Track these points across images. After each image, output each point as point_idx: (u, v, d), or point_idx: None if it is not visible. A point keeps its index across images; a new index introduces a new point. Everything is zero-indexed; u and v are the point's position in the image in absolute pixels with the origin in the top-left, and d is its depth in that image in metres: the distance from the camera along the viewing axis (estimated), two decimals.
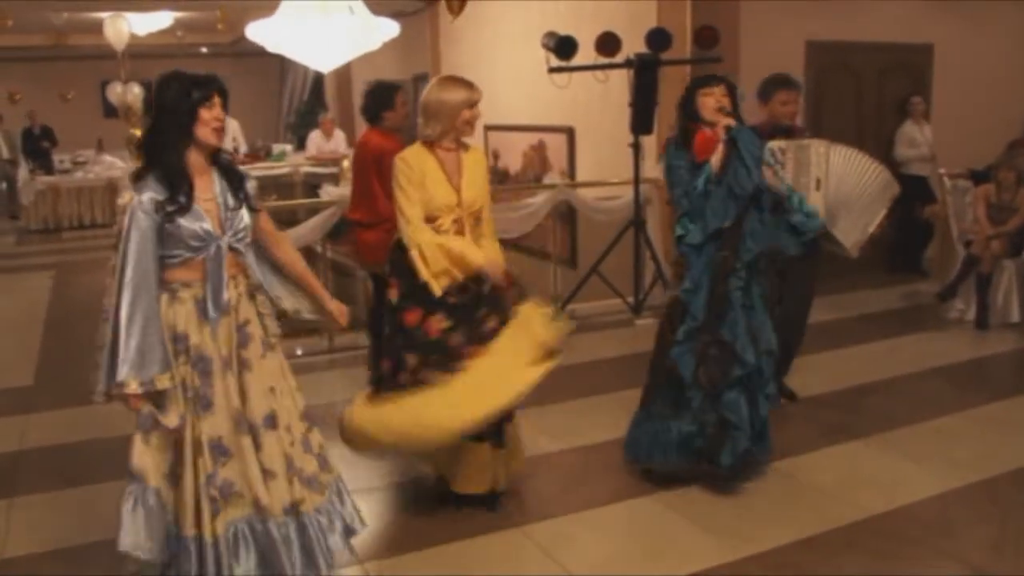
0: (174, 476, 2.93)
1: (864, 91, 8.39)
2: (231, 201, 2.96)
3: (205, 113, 2.85)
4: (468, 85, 3.67)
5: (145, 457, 2.90)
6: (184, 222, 2.82)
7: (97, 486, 4.19)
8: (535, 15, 9.31)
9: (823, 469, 4.23)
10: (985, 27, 8.78)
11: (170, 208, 2.80)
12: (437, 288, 3.53)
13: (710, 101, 3.98)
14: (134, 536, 2.87)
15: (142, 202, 2.78)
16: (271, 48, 7.87)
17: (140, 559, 2.89)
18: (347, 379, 5.62)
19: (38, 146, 15.17)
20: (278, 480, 2.97)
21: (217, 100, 2.88)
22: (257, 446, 2.95)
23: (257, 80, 18.54)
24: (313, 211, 6.86)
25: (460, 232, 3.64)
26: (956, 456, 4.31)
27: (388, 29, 7.91)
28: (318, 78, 16.65)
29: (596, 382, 5.54)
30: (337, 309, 3.29)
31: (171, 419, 2.85)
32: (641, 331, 6.85)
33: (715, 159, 3.89)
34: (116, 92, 9.09)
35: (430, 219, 3.59)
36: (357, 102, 16.41)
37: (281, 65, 18.20)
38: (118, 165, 14.03)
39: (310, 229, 6.48)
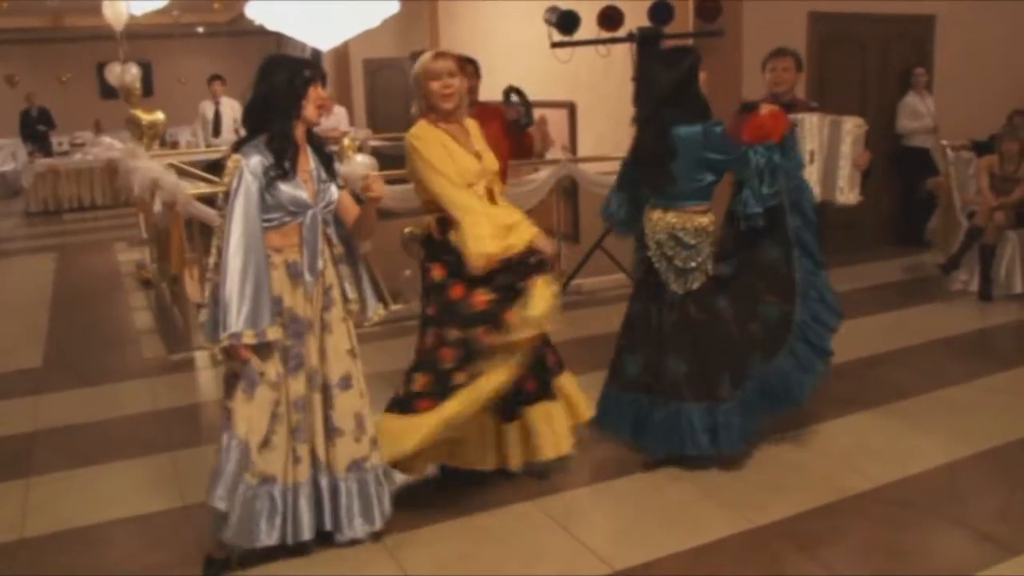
0: (269, 435, 3.12)
1: (866, 62, 8.37)
2: (323, 175, 3.21)
3: (313, 91, 3.13)
4: (436, 56, 3.61)
5: (244, 411, 3.07)
6: (285, 187, 3.08)
7: (113, 464, 4.24)
8: None
9: (833, 440, 4.27)
10: None
11: (274, 172, 3.04)
12: (484, 261, 3.40)
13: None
14: (223, 491, 3.06)
15: (250, 164, 3.03)
16: (271, 26, 7.85)
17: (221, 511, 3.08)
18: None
19: (36, 129, 15.14)
20: (345, 437, 3.25)
21: (321, 81, 3.15)
22: (331, 405, 3.23)
23: (254, 59, 18.38)
24: None
25: (492, 199, 3.61)
26: (964, 426, 4.34)
27: (388, 6, 7.88)
28: (315, 56, 16.56)
29: (601, 356, 5.54)
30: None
31: (271, 373, 3.08)
32: None
33: (776, 136, 3.95)
34: (115, 73, 9.05)
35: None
36: (356, 79, 16.20)
37: (278, 44, 18.09)
38: (117, 146, 13.98)
39: None
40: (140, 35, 14.16)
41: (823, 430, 4.37)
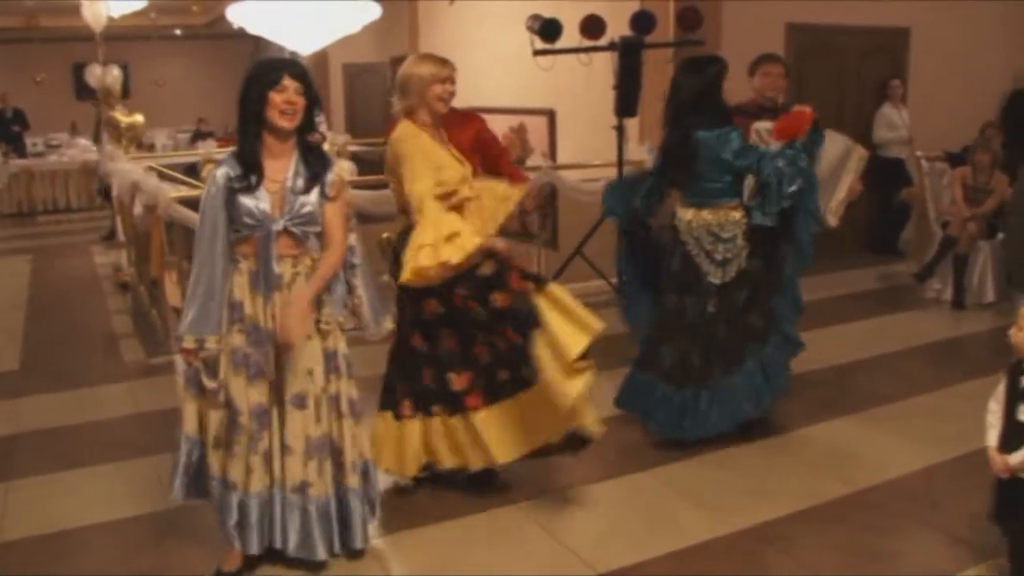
0: (223, 437, 3.12)
1: (843, 74, 8.49)
2: (300, 185, 3.07)
3: (275, 96, 3.01)
4: (440, 61, 3.70)
5: (191, 412, 3.15)
6: (244, 200, 3.00)
7: (93, 468, 4.22)
8: None
9: (811, 445, 4.33)
10: (960, 11, 8.89)
11: (236, 185, 3.01)
12: (412, 276, 3.38)
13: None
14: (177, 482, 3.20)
15: (215, 176, 3.05)
16: (251, 30, 7.83)
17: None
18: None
19: (9, 129, 14.98)
20: (295, 457, 3.11)
21: (288, 83, 3.00)
22: (283, 421, 3.10)
23: (232, 63, 18.36)
24: None
25: (460, 205, 3.62)
26: (939, 431, 4.41)
27: (369, 11, 7.89)
28: (294, 59, 16.53)
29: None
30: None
31: (211, 382, 3.07)
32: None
33: (803, 136, 4.14)
34: (95, 74, 9.00)
35: (447, 195, 3.55)
36: (335, 84, 16.18)
37: (256, 47, 18.04)
38: (92, 148, 13.88)
39: None
40: (117, 36, 14.06)
41: (801, 436, 4.43)
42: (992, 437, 2.83)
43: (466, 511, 3.69)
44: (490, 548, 3.45)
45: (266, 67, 3.08)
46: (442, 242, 3.36)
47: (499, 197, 3.71)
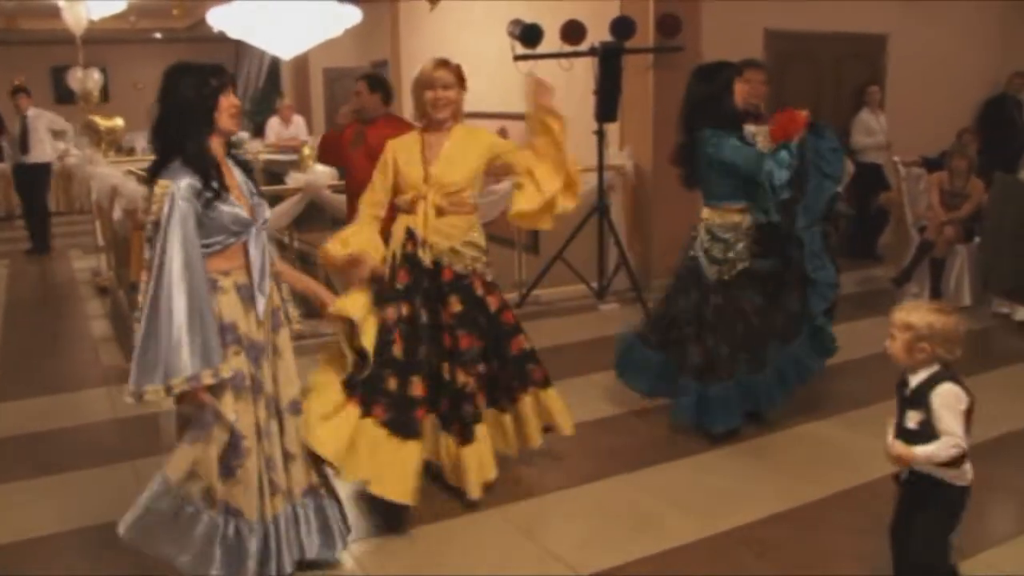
0: (227, 468, 2.94)
1: (821, 80, 8.57)
2: (251, 187, 3.03)
3: (224, 100, 2.89)
4: (437, 66, 3.72)
5: (190, 455, 2.90)
6: (224, 207, 2.84)
7: (73, 474, 4.20)
8: (498, 3, 9.32)
9: (791, 448, 4.37)
10: (937, 18, 8.99)
11: (208, 194, 2.79)
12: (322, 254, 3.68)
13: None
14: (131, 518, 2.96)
15: (181, 188, 2.74)
16: (233, 34, 7.84)
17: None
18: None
19: None
20: (298, 463, 3.12)
21: (231, 88, 2.93)
22: (282, 430, 3.08)
23: None
24: (276, 198, 6.81)
25: (413, 207, 3.68)
26: None
27: (350, 16, 7.91)
28: (274, 64, 16.50)
29: (563, 366, 5.59)
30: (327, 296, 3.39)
31: (230, 412, 2.87)
32: (605, 316, 6.96)
33: (797, 137, 4.20)
34: (76, 78, 8.95)
35: (400, 192, 3.74)
36: (315, 88, 16.15)
37: (236, 51, 18.00)
38: (73, 152, 13.78)
39: (277, 216, 6.44)
40: (96, 40, 13.99)
41: (781, 439, 4.46)
42: (889, 436, 2.80)
43: (447, 514, 3.69)
44: (472, 551, 3.45)
45: (208, 70, 2.91)
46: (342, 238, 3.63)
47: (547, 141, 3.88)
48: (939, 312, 2.70)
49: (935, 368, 2.69)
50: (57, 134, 10.41)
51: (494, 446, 3.82)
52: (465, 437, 3.66)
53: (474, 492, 3.69)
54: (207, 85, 2.85)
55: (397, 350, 3.57)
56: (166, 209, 2.72)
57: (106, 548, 3.50)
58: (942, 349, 2.67)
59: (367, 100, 5.23)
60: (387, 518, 3.60)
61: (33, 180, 10.27)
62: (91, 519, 3.72)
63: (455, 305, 3.68)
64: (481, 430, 3.72)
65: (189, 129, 2.83)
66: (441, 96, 3.69)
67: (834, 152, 4.31)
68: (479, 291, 3.76)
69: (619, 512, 3.76)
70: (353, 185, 5.45)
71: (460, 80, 3.76)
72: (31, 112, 10.04)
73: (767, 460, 4.23)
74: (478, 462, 3.69)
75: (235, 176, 3.01)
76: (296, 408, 3.15)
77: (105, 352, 6.21)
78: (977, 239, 6.88)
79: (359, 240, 3.62)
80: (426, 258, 3.66)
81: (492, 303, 3.82)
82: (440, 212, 3.67)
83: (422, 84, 3.70)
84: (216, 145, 2.94)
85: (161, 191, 2.75)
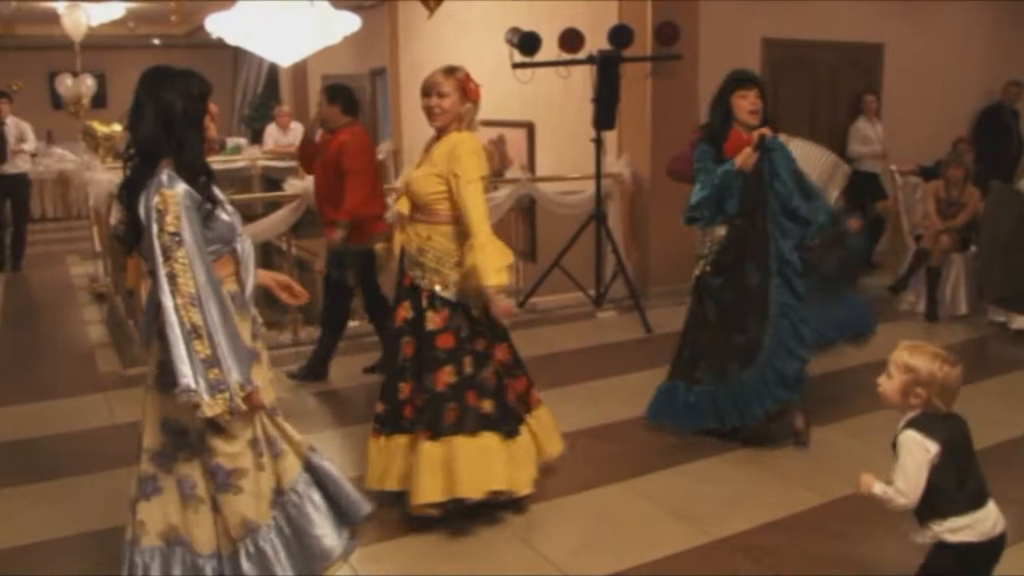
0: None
1: (818, 88, 8.59)
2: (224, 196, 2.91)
3: (211, 106, 2.85)
4: (440, 72, 3.68)
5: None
6: (222, 215, 2.78)
7: (68, 479, 4.20)
8: (496, 10, 9.36)
9: (786, 456, 4.37)
10: (933, 27, 9.03)
11: (208, 205, 2.71)
12: None
13: (745, 104, 4.24)
14: None
15: (178, 195, 2.63)
16: (232, 41, 7.84)
17: None
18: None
19: None
20: (289, 457, 3.00)
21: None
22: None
23: (211, 73, 17.70)
24: (273, 205, 6.83)
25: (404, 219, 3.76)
26: None
27: (349, 23, 7.92)
28: (272, 71, 16.52)
29: (560, 373, 5.62)
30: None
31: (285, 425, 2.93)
32: (603, 323, 6.97)
33: (739, 159, 4.25)
34: (66, 84, 8.90)
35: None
36: (313, 95, 16.18)
37: (234, 58, 18.02)
38: (69, 158, 13.80)
39: (275, 223, 6.46)
40: (95, 45, 14.00)
41: (778, 446, 4.46)
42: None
43: (441, 522, 3.67)
44: (467, 559, 3.45)
45: (187, 75, 2.79)
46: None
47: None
48: (944, 361, 2.55)
49: (918, 412, 2.58)
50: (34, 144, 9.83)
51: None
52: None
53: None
54: (198, 92, 2.77)
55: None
56: (182, 221, 2.61)
57: (102, 553, 3.51)
58: (939, 399, 2.55)
59: (327, 111, 5.29)
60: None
61: (11, 192, 9.49)
62: (87, 525, 3.72)
63: (406, 311, 3.68)
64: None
65: (185, 136, 2.72)
66: (434, 104, 3.64)
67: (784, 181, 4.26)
68: (423, 303, 3.63)
69: (615, 519, 3.76)
70: (316, 192, 5.51)
71: (463, 90, 3.65)
72: (9, 120, 9.42)
73: (764, 467, 4.23)
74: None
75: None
76: (274, 412, 2.95)
77: (102, 358, 6.20)
78: (973, 248, 6.90)
79: None
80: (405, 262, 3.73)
81: (431, 320, 3.61)
82: (411, 218, 3.70)
83: (421, 90, 3.69)
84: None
85: (173, 201, 2.61)
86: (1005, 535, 2.63)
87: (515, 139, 9.64)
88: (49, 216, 13.65)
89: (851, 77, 8.76)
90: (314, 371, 5.51)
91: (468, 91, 3.68)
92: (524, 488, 3.69)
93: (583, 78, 7.12)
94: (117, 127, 9.08)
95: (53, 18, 11.55)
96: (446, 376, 3.57)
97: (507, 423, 3.66)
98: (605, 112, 6.87)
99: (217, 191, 2.85)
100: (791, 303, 4.27)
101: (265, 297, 3.22)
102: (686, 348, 4.59)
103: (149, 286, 5.35)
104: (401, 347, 3.67)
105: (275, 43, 7.62)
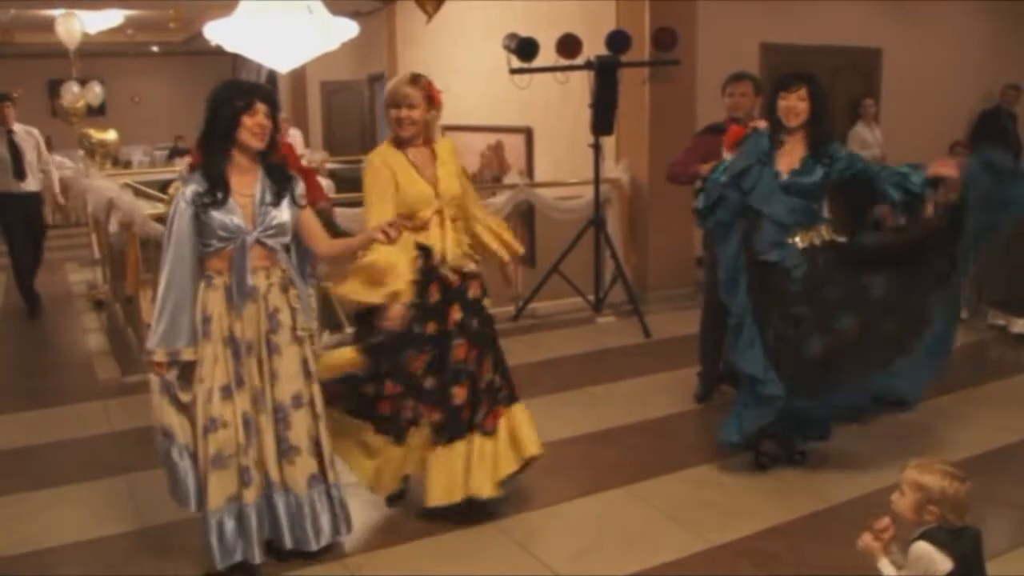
0: (219, 453, 3.20)
1: None
2: (268, 198, 3.23)
3: (247, 120, 3.17)
4: (400, 83, 3.64)
5: (171, 416, 3.20)
6: (216, 215, 3.15)
7: (67, 487, 4.18)
8: (494, 16, 9.37)
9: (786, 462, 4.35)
10: (931, 32, 9.05)
11: (207, 200, 3.14)
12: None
13: (782, 104, 4.13)
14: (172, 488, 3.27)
15: (184, 193, 3.17)
16: (229, 48, 7.82)
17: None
18: None
19: None
20: (303, 456, 3.29)
21: (260, 107, 3.16)
22: (286, 425, 3.27)
23: (209, 79, 18.13)
24: None
25: (441, 224, 3.61)
26: (912, 447, 4.43)
27: (347, 29, 7.90)
28: (271, 78, 16.53)
29: (559, 379, 5.62)
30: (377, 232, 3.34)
31: (186, 395, 3.20)
32: (602, 328, 6.97)
33: (727, 154, 4.26)
34: (73, 91, 8.88)
35: (409, 216, 3.55)
36: (312, 101, 16.18)
37: (233, 64, 18.03)
38: (68, 165, 13.78)
39: None
40: (93, 53, 14.01)
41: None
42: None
43: (442, 528, 3.67)
44: (466, 564, 3.44)
45: (238, 90, 3.23)
46: (367, 281, 3.44)
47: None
48: (953, 478, 2.57)
49: (932, 524, 2.59)
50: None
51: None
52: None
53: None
54: (232, 106, 3.15)
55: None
56: (172, 210, 3.20)
57: (101, 561, 3.51)
58: (952, 515, 2.56)
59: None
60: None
61: (26, 215, 7.73)
62: (86, 532, 3.72)
63: (456, 312, 3.63)
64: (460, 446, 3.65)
65: (212, 142, 3.20)
66: (405, 116, 3.59)
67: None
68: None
69: (616, 525, 3.75)
70: None
71: (429, 98, 3.64)
72: (17, 127, 7.58)
73: (765, 473, 4.22)
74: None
75: (254, 185, 3.23)
76: (299, 402, 3.29)
77: (101, 365, 6.19)
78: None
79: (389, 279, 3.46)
80: (447, 272, 3.63)
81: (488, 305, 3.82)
82: (454, 224, 3.67)
83: (388, 102, 3.63)
84: (239, 158, 3.22)
85: (173, 192, 3.23)
86: None
87: (513, 144, 9.65)
88: (49, 223, 13.58)
89: (849, 81, 8.76)
90: None
91: (434, 98, 3.68)
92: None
93: (581, 83, 7.13)
94: (112, 134, 9.06)
95: (52, 25, 11.57)
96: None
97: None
98: (603, 117, 6.87)
99: (263, 192, 3.25)
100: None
101: None
102: None
103: (150, 293, 5.51)
104: (452, 350, 3.62)
105: (273, 50, 7.61)
